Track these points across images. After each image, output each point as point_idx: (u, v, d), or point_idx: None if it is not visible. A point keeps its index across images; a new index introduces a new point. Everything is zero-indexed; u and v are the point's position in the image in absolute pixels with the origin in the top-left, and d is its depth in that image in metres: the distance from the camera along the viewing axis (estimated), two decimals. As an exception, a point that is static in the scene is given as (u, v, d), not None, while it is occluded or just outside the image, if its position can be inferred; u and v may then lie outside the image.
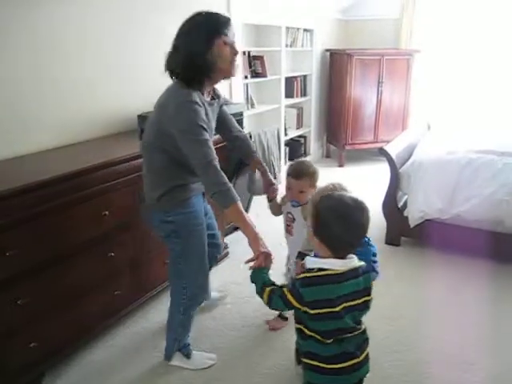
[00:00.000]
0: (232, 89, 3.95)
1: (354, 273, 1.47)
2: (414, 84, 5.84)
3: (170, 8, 3.12)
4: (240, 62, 4.06)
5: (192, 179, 1.95)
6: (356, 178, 5.16)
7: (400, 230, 3.40)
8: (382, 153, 3.31)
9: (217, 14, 1.86)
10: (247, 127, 4.04)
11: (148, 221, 2.06)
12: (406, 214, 3.33)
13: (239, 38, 3.96)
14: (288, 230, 2.35)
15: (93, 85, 2.68)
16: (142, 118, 2.80)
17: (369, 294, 1.52)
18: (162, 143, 1.85)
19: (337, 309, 1.43)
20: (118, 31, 2.79)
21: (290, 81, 5.14)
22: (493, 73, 5.59)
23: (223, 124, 2.22)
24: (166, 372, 2.19)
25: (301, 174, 2.19)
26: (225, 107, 2.21)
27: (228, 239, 3.38)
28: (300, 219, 2.22)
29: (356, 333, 1.50)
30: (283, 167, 4.91)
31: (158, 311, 2.65)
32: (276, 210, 2.40)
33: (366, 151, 5.80)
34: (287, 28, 4.81)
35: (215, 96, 2.05)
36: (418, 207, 3.20)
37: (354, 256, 1.50)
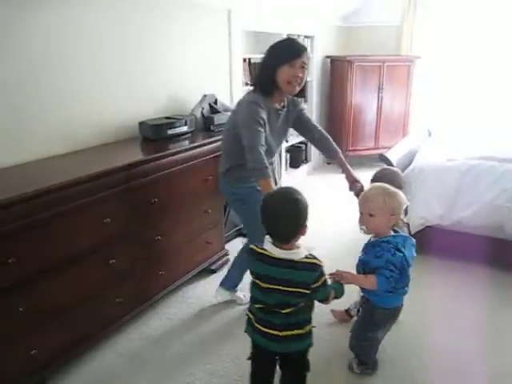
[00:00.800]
0: (233, 96, 3.96)
1: (287, 263, 1.66)
2: (415, 90, 5.86)
3: (169, 13, 3.14)
4: (240, 69, 4.08)
5: None
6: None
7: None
8: (383, 159, 3.31)
9: (291, 45, 2.34)
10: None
11: (220, 190, 2.59)
12: (406, 220, 3.32)
13: (239, 45, 3.99)
14: None
15: (93, 92, 2.69)
16: (144, 124, 2.83)
17: (305, 288, 1.67)
18: (234, 131, 2.34)
19: (262, 285, 1.69)
20: (120, 40, 2.81)
21: (290, 87, 5.15)
22: (493, 79, 5.60)
23: (303, 128, 2.64)
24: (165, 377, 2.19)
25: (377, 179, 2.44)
26: (305, 114, 2.61)
27: (228, 246, 3.38)
28: None
29: (281, 311, 1.69)
30: (284, 174, 4.92)
31: (159, 318, 2.65)
32: None
33: (367, 157, 5.79)
34: (288, 35, 4.82)
35: (289, 106, 2.50)
36: (419, 214, 3.20)
37: (299, 251, 1.68)
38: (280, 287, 1.66)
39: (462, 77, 5.77)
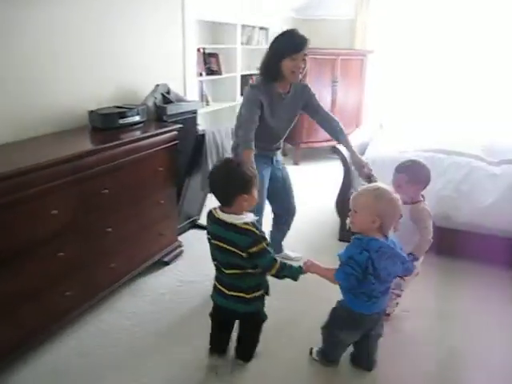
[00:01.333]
0: (186, 86, 3.90)
1: (227, 225, 1.90)
2: (368, 84, 5.97)
3: (120, 0, 3.05)
4: (194, 58, 4.03)
5: (255, 143, 2.51)
6: (311, 175, 5.23)
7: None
8: (335, 151, 3.35)
9: (293, 39, 2.51)
10: (202, 125, 4.01)
11: None
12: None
13: (193, 34, 3.93)
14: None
15: (40, 80, 2.58)
16: (93, 113, 2.74)
17: (241, 251, 1.88)
18: None
19: (213, 242, 1.98)
20: (69, 27, 2.70)
21: (245, 79, 5.13)
22: (443, 72, 5.78)
23: (312, 112, 2.81)
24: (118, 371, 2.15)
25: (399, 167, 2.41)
26: (314, 99, 2.77)
27: (182, 238, 3.35)
28: (405, 219, 2.22)
29: (225, 271, 1.98)
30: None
31: (111, 312, 2.59)
32: None
33: (321, 149, 5.87)
34: (243, 26, 4.80)
35: (297, 91, 2.69)
36: (370, 204, 3.26)
37: (239, 217, 1.90)
38: (224, 245, 1.92)
39: (413, 70, 5.94)
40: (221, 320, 2.16)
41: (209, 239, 2.02)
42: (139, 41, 3.28)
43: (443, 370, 2.22)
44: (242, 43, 4.86)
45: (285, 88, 2.65)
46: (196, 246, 3.36)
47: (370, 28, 6.01)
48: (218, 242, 1.95)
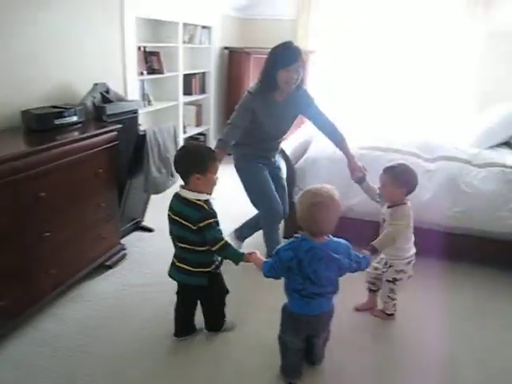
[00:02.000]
0: (127, 85, 3.82)
1: (183, 200, 2.12)
2: (310, 84, 6.05)
3: (52, 1, 2.95)
4: (134, 57, 3.95)
5: (253, 143, 2.94)
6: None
7: (297, 224, 3.49)
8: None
9: (287, 52, 2.72)
10: (144, 124, 3.94)
11: None
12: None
13: (133, 32, 3.85)
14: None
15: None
16: (27, 113, 2.63)
17: (192, 224, 2.08)
18: None
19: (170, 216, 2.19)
20: (2, 24, 2.58)
21: (188, 78, 5.10)
22: (385, 72, 5.95)
23: (311, 117, 2.97)
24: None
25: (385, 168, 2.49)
26: (313, 105, 2.94)
27: (125, 240, 3.28)
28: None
29: (178, 244, 2.20)
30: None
31: (51, 320, 2.49)
32: (372, 193, 2.67)
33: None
34: (184, 24, 4.75)
35: (296, 97, 2.85)
36: (314, 202, 3.31)
37: (193, 194, 2.10)
38: (180, 219, 2.12)
39: (353, 71, 6.07)
40: (181, 295, 2.33)
41: (169, 215, 2.18)
42: (76, 39, 3.17)
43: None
44: (184, 42, 4.80)
45: (282, 96, 2.83)
46: (140, 248, 3.30)
47: (312, 28, 6.10)
48: (175, 217, 2.14)
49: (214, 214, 2.13)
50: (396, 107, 5.92)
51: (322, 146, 3.55)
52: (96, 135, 2.71)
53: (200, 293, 2.31)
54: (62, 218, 2.53)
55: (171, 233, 2.23)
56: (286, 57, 2.70)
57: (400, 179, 2.41)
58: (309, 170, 3.36)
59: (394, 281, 2.50)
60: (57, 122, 2.66)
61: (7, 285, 2.23)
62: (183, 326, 2.39)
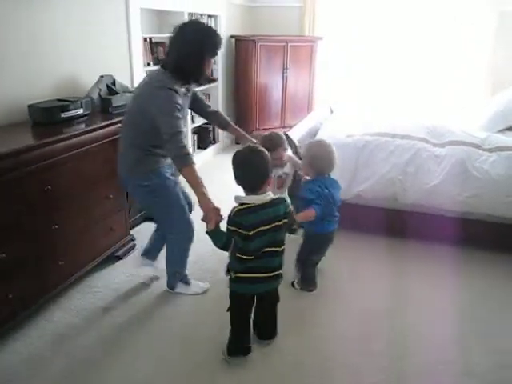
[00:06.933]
0: (133, 77, 3.82)
1: (265, 206, 1.99)
2: (318, 70, 6.01)
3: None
4: (140, 49, 3.95)
5: (161, 152, 2.37)
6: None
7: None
8: (286, 138, 3.36)
9: (218, 38, 2.41)
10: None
11: (123, 182, 2.51)
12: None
13: (138, 24, 3.84)
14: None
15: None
16: (33, 107, 2.65)
17: (282, 220, 2.03)
18: (142, 116, 2.29)
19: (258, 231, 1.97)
20: (5, 15, 2.58)
21: (195, 67, 5.07)
22: (390, 59, 5.89)
23: (198, 106, 2.75)
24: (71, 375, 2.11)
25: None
26: (198, 94, 2.74)
27: (135, 231, 3.31)
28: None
29: (273, 250, 2.06)
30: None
31: (62, 311, 2.54)
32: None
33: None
34: (190, 14, 4.73)
35: (189, 88, 2.52)
36: (321, 189, 3.31)
37: (269, 193, 2.02)
38: (272, 225, 2.02)
39: (362, 56, 6.01)
40: (258, 304, 2.23)
41: (256, 231, 1.96)
42: (81, 31, 3.17)
43: (393, 346, 2.30)
44: (190, 31, 4.77)
45: (188, 86, 2.50)
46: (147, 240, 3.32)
47: (319, 15, 6.04)
48: (269, 225, 1.99)
49: None
50: (405, 93, 5.86)
51: (330, 133, 3.53)
52: (102, 127, 2.73)
53: (276, 295, 2.24)
54: (71, 210, 2.56)
55: (257, 249, 2.00)
56: (217, 43, 2.39)
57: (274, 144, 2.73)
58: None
59: None
60: (63, 115, 2.68)
61: (17, 277, 2.27)
62: (245, 344, 2.21)
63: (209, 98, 5.53)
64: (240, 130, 2.84)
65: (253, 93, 5.57)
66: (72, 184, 2.54)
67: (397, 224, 3.27)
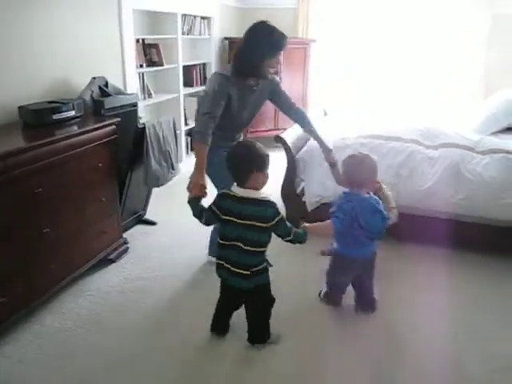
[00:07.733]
0: (126, 78, 3.80)
1: (250, 201, 2.06)
2: (312, 72, 6.01)
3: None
4: (133, 50, 3.93)
5: (219, 133, 2.58)
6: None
7: (300, 214, 3.48)
8: (279, 140, 3.37)
9: (282, 38, 2.56)
10: (146, 117, 3.93)
11: None
12: (304, 199, 3.42)
13: (131, 25, 3.82)
14: None
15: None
16: (24, 109, 2.62)
17: (264, 222, 2.05)
18: None
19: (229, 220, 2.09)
20: (3, 18, 2.57)
21: (188, 69, 5.06)
22: (385, 61, 5.91)
23: (279, 101, 2.89)
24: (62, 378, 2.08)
25: None
26: (280, 88, 2.87)
27: (127, 234, 3.28)
28: None
29: (241, 247, 2.09)
30: (184, 157, 4.85)
31: (54, 314, 2.51)
32: (339, 177, 2.75)
33: (267, 138, 5.86)
34: (183, 15, 4.71)
35: (263, 81, 2.67)
36: (315, 192, 3.30)
37: (261, 192, 2.10)
38: (247, 221, 2.05)
39: (355, 59, 6.02)
40: (227, 298, 2.32)
41: (227, 220, 2.10)
42: (73, 33, 3.15)
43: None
44: (183, 33, 4.76)
45: (255, 82, 2.66)
46: (142, 241, 3.31)
47: (313, 17, 6.04)
48: (243, 220, 2.06)
49: None
50: (398, 95, 5.88)
51: (324, 135, 3.52)
52: (95, 129, 2.70)
53: (250, 297, 2.24)
54: (62, 213, 2.53)
55: (226, 237, 2.13)
56: (280, 43, 2.56)
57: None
58: (310, 160, 3.34)
59: None
60: (54, 116, 2.65)
61: (8, 281, 2.24)
62: (220, 325, 2.36)
63: (202, 100, 5.51)
64: (319, 136, 2.91)
65: (246, 95, 5.55)
66: (64, 187, 2.51)
67: (390, 226, 3.25)
